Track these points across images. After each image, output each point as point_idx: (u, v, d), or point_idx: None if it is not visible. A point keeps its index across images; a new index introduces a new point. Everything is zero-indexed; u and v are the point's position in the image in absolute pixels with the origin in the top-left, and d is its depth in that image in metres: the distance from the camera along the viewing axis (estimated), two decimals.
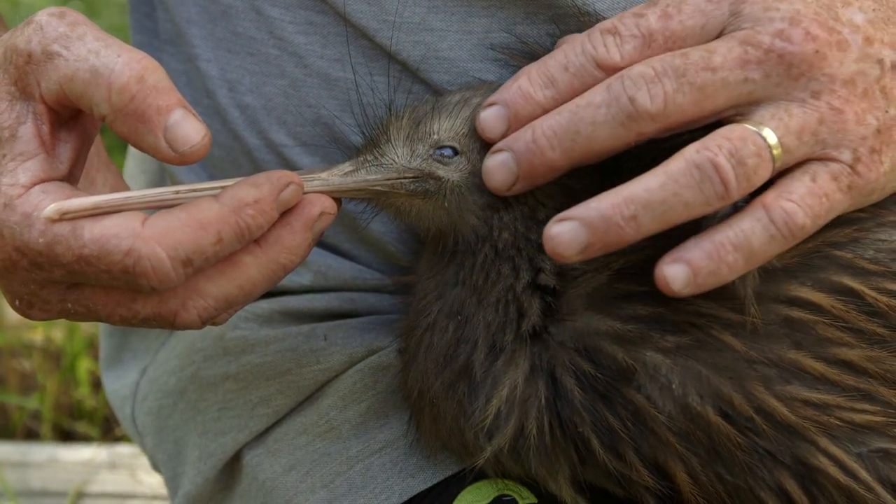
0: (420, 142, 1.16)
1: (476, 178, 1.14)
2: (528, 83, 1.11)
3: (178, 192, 1.08)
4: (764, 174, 1.04)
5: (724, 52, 1.06)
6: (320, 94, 1.34)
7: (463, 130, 1.16)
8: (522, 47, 1.25)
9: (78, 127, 1.12)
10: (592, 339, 1.10)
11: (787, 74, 1.06)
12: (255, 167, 1.39)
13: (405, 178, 1.15)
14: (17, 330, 2.97)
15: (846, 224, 1.12)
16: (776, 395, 1.07)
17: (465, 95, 1.19)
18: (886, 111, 1.08)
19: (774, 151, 1.04)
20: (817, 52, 1.06)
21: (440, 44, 1.28)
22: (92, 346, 3.00)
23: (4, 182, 1.05)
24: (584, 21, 1.24)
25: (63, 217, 1.04)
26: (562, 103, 1.11)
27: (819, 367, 1.07)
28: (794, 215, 1.04)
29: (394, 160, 1.15)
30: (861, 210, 1.13)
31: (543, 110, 1.11)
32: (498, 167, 1.10)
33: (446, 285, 1.18)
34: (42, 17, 1.07)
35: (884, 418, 1.09)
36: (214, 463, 1.41)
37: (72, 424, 2.91)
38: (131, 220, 1.04)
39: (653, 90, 1.04)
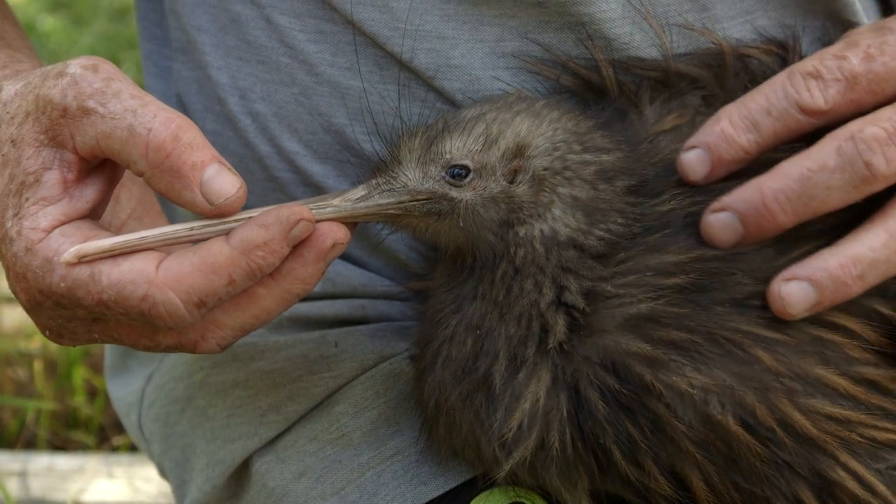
0: (432, 163, 1.15)
1: (490, 193, 1.14)
2: (731, 127, 1.13)
3: (192, 229, 1.09)
4: None
5: None
6: (331, 102, 1.34)
7: (476, 147, 1.15)
8: (543, 54, 1.25)
9: (106, 170, 1.14)
10: (621, 357, 1.10)
11: None
12: (267, 174, 1.39)
13: (418, 200, 1.15)
14: (14, 338, 2.96)
15: None
16: (800, 409, 1.08)
17: (481, 110, 1.18)
18: None
19: None
20: None
21: (452, 52, 1.29)
22: (87, 355, 2.99)
23: (26, 226, 1.08)
24: (595, 29, 1.25)
25: (81, 260, 1.07)
26: (763, 147, 1.13)
27: (845, 383, 1.09)
28: None
29: (406, 183, 1.15)
30: None
31: (746, 153, 1.13)
32: (723, 227, 1.11)
33: (465, 299, 1.18)
34: (76, 69, 1.09)
35: None
36: (223, 470, 1.41)
37: (67, 433, 2.89)
38: (147, 264, 1.07)
39: (888, 153, 1.06)
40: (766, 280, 1.10)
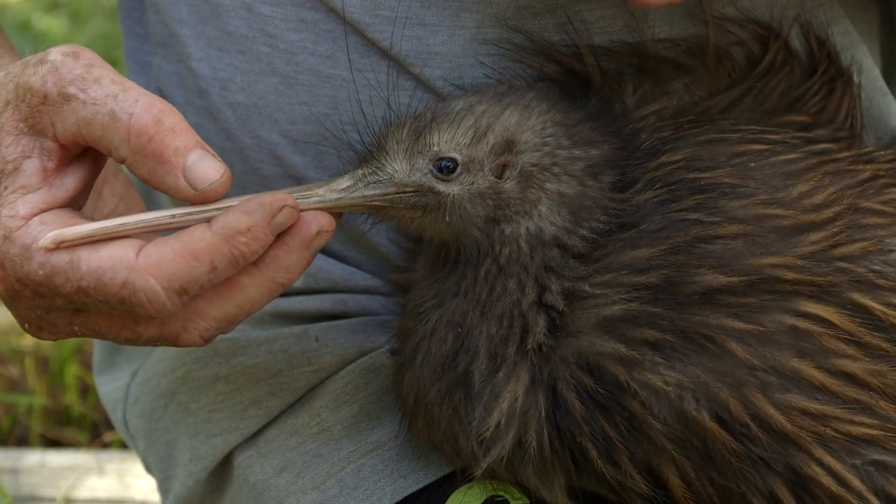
0: (420, 155, 1.14)
1: (478, 189, 1.13)
2: None
3: (173, 217, 1.08)
4: None
5: None
6: (311, 91, 1.33)
7: (465, 141, 1.13)
8: (525, 42, 1.25)
9: (87, 159, 1.12)
10: (596, 358, 1.10)
11: None
12: (248, 166, 1.39)
13: (404, 192, 1.13)
14: (6, 336, 2.96)
15: (861, 236, 1.12)
16: (774, 404, 1.06)
17: (470, 102, 1.17)
18: None
19: None
20: None
21: (432, 38, 1.28)
22: (80, 352, 2.98)
23: (4, 213, 1.07)
24: (574, 11, 1.23)
25: (60, 246, 1.05)
26: None
27: (820, 376, 1.07)
28: None
29: (392, 175, 1.14)
30: (881, 216, 1.14)
31: None
32: None
33: (447, 294, 1.17)
34: (56, 56, 1.07)
35: (882, 432, 1.08)
36: (205, 465, 1.40)
37: (59, 430, 2.89)
38: (127, 251, 1.05)
39: None
40: (735, 272, 1.08)
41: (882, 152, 1.28)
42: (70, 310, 1.11)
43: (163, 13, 1.43)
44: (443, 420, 1.17)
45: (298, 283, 1.39)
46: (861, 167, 1.21)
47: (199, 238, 1.05)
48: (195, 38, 1.39)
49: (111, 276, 1.04)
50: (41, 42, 5.22)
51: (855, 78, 1.34)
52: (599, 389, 1.09)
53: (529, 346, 1.12)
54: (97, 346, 1.72)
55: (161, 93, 1.47)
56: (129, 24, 1.57)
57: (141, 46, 1.54)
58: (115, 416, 1.62)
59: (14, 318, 1.16)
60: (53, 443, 2.88)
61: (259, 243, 1.06)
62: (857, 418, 1.08)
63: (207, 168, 1.06)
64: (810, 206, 1.14)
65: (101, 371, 1.70)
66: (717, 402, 1.07)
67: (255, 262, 1.08)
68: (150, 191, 1.55)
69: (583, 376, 1.10)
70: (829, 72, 1.32)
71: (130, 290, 1.04)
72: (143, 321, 1.10)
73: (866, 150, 1.29)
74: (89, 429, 2.89)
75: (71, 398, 2.91)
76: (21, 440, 2.88)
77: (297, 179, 1.36)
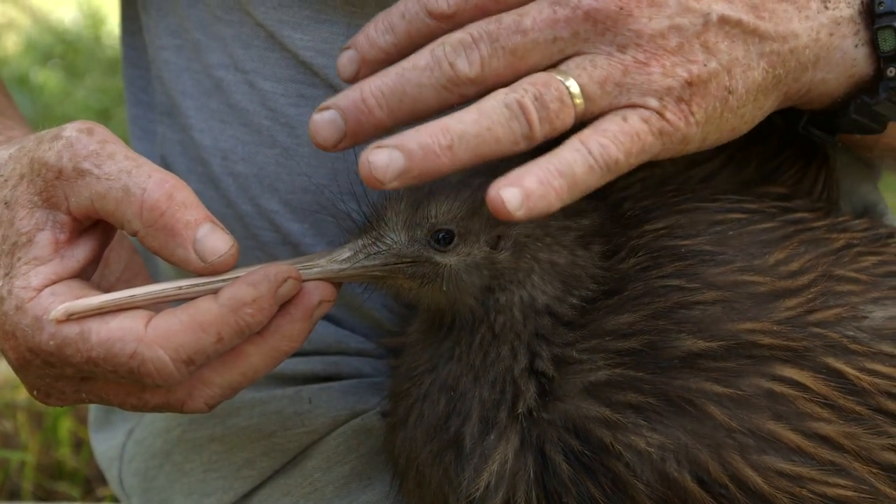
0: (418, 226, 1.17)
1: (473, 259, 1.16)
2: (374, 30, 1.15)
3: (180, 289, 1.11)
4: (566, 119, 1.08)
5: (534, 14, 1.09)
6: (311, 163, 1.38)
7: (461, 213, 1.17)
8: None
9: (97, 231, 1.16)
10: (582, 421, 1.13)
11: (594, 30, 1.09)
12: (248, 232, 1.43)
13: (403, 263, 1.17)
14: (0, 390, 2.97)
15: (836, 303, 1.16)
16: (751, 465, 1.10)
17: (466, 174, 1.20)
18: (705, 64, 1.11)
19: (576, 99, 1.08)
20: (621, 9, 1.09)
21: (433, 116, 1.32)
22: (73, 407, 2.99)
23: (17, 285, 1.10)
24: None
25: (70, 318, 1.08)
26: (400, 48, 1.14)
27: (796, 439, 1.10)
28: (608, 149, 1.06)
29: (391, 245, 1.17)
30: (854, 284, 1.18)
31: (386, 54, 1.14)
32: (326, 124, 1.09)
33: (440, 359, 1.20)
34: (71, 133, 1.12)
35: (856, 493, 1.11)
36: None
37: (52, 484, 2.89)
38: (136, 322, 1.09)
39: (470, 56, 1.08)
40: (714, 337, 1.12)
41: (856, 221, 1.33)
42: (78, 378, 1.14)
43: (167, 85, 1.48)
44: (433, 480, 1.20)
45: None
46: (836, 236, 1.25)
47: (207, 310, 1.08)
48: (198, 109, 1.44)
49: (121, 348, 1.08)
50: (38, 96, 5.28)
51: (828, 150, 1.39)
52: (586, 452, 1.12)
53: (520, 411, 1.15)
54: (92, 405, 1.74)
55: (165, 160, 1.51)
56: (134, 91, 1.62)
57: (146, 114, 1.59)
58: (111, 475, 1.64)
59: (9, 374, 1.19)
60: (45, 497, 2.87)
61: (264, 314, 1.10)
62: (832, 479, 1.11)
63: (217, 241, 1.10)
64: (786, 273, 1.18)
65: (96, 429, 1.72)
66: (698, 463, 1.10)
67: (260, 331, 1.12)
68: (151, 255, 1.59)
69: (570, 439, 1.13)
70: (804, 144, 1.36)
71: (139, 360, 1.08)
72: (149, 389, 1.13)
73: (841, 219, 1.33)
74: (82, 483, 2.89)
75: (64, 452, 2.91)
76: (13, 495, 2.87)
77: (294, 246, 1.40)
